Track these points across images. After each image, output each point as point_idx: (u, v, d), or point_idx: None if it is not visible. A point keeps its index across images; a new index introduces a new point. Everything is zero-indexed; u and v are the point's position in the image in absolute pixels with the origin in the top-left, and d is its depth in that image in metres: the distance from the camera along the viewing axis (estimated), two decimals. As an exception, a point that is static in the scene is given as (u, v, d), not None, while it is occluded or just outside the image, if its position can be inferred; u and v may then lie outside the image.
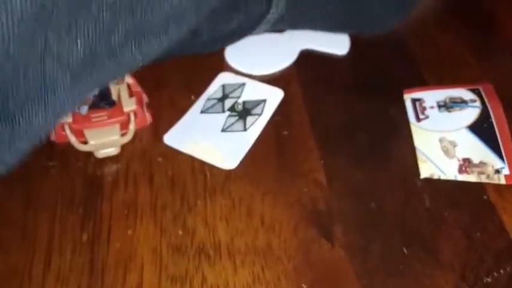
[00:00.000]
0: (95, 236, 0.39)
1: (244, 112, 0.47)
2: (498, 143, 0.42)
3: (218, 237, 0.39)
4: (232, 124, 0.46)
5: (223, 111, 0.47)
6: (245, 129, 0.45)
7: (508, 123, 0.44)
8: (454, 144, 0.43)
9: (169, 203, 0.41)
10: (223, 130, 0.45)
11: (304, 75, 0.51)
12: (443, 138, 0.44)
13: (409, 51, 0.53)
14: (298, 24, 0.50)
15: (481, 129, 0.43)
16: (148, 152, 0.45)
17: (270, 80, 0.50)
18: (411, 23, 0.56)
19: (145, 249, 0.39)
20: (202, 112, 0.46)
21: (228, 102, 0.47)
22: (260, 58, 0.52)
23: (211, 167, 0.43)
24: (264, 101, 0.47)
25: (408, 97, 0.47)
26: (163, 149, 0.45)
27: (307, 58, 0.53)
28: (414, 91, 0.48)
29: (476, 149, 0.43)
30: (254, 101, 0.47)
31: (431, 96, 0.47)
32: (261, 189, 0.42)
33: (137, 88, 0.47)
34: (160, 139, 0.45)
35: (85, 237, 0.39)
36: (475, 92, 0.46)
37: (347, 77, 0.51)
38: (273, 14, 0.46)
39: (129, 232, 0.40)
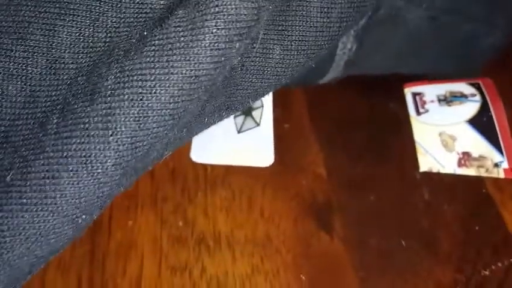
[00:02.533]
0: (96, 226, 0.40)
1: (246, 108, 0.47)
2: (497, 137, 0.43)
3: (218, 229, 0.40)
4: (243, 123, 0.46)
5: None
6: (258, 124, 0.46)
7: (507, 118, 0.44)
8: (454, 138, 0.43)
9: (169, 195, 0.42)
10: (239, 132, 0.45)
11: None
12: (442, 132, 0.44)
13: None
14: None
15: (481, 123, 0.44)
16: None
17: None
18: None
19: (145, 239, 0.39)
20: None
21: None
22: None
23: (212, 159, 0.44)
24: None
25: (408, 91, 0.48)
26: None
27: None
28: (415, 85, 0.48)
29: (475, 143, 0.43)
30: None
31: (431, 90, 0.47)
32: (261, 181, 0.42)
33: None
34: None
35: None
36: (475, 86, 0.46)
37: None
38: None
39: (130, 223, 0.40)
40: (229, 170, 0.43)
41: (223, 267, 0.38)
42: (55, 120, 0.28)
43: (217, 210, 0.41)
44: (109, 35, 0.29)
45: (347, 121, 0.47)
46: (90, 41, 0.29)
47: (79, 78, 0.29)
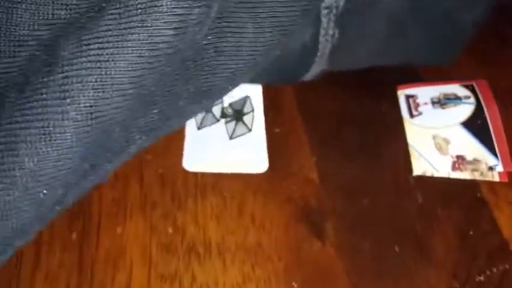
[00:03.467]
0: (84, 233, 0.39)
1: (236, 113, 0.46)
2: (492, 140, 0.42)
3: (208, 236, 0.39)
4: (235, 129, 0.45)
5: (218, 120, 0.46)
6: (250, 130, 0.45)
7: (502, 121, 0.43)
8: (448, 142, 0.43)
9: (159, 201, 0.41)
10: (231, 138, 0.45)
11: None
12: (436, 135, 0.43)
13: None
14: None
15: (475, 126, 0.43)
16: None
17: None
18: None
19: (134, 247, 0.38)
20: (199, 129, 0.45)
21: (215, 110, 0.46)
22: None
23: (202, 165, 0.43)
24: (248, 97, 0.47)
25: (402, 93, 0.47)
26: (153, 146, 0.44)
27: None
28: (408, 87, 0.47)
29: (469, 146, 0.42)
30: (238, 100, 0.47)
31: (425, 93, 0.46)
32: (251, 187, 0.42)
33: None
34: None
35: (74, 235, 0.39)
36: (469, 88, 0.46)
37: (340, 73, 0.50)
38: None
39: (118, 230, 0.39)
40: (219, 176, 0.42)
41: (214, 276, 0.37)
42: (13, 95, 0.27)
43: (208, 217, 0.40)
44: (68, 12, 0.29)
45: (340, 125, 0.46)
46: (50, 18, 0.29)
47: (38, 53, 0.29)
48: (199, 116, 0.46)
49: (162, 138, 0.45)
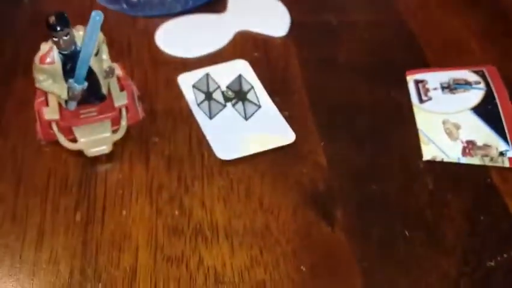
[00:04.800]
0: (89, 216, 0.38)
1: (238, 94, 0.45)
2: (503, 126, 0.42)
3: (215, 219, 0.38)
4: (245, 109, 0.44)
5: (224, 105, 0.45)
6: (259, 106, 0.45)
7: (513, 106, 0.43)
8: (458, 127, 0.42)
9: (165, 184, 0.40)
10: (246, 119, 0.44)
11: (305, 53, 0.50)
12: (446, 120, 0.43)
13: (412, 34, 0.52)
14: None
15: (485, 111, 0.42)
16: (145, 131, 0.44)
17: (265, 58, 0.49)
18: (414, 4, 0.55)
19: (140, 230, 0.38)
20: (211, 118, 0.44)
21: (217, 96, 0.46)
22: (195, 40, 0.51)
23: (209, 148, 0.42)
24: (240, 76, 0.46)
25: (411, 78, 0.46)
26: (160, 128, 0.44)
27: (305, 33, 0.51)
28: (417, 72, 0.47)
29: (480, 132, 0.42)
30: (233, 81, 0.46)
31: (434, 78, 0.46)
32: (259, 170, 0.41)
33: (128, 81, 0.44)
34: (155, 119, 0.44)
35: (78, 217, 0.38)
36: (479, 74, 0.45)
37: (349, 58, 0.50)
38: None
39: (124, 213, 0.39)
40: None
41: (221, 259, 0.36)
42: None
43: (215, 200, 0.39)
44: None
45: (348, 109, 0.45)
46: None
47: None
48: (205, 106, 0.45)
49: (169, 121, 0.44)
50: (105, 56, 0.40)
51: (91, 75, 0.39)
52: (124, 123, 0.42)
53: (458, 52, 0.50)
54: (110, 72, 0.40)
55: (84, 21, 0.36)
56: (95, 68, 0.39)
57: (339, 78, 0.48)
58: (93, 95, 0.41)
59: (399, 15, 0.54)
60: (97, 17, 0.35)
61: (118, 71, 0.43)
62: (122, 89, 0.43)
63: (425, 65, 0.48)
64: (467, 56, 0.50)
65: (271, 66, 0.49)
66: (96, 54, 0.38)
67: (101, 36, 0.38)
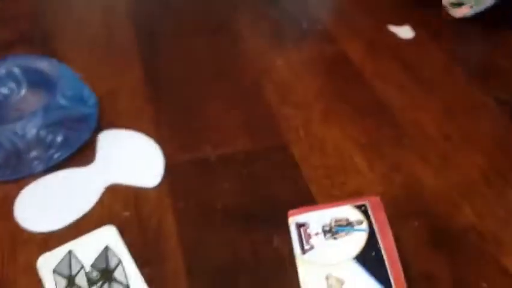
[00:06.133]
0: None
1: (104, 273, 0.40)
2: (387, 275, 0.39)
3: None
4: None
5: None
6: (128, 286, 0.39)
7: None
8: (342, 282, 0.39)
9: None
10: None
11: (180, 203, 0.46)
12: (329, 274, 0.39)
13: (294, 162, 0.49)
14: None
15: (370, 259, 0.39)
16: None
17: (136, 218, 0.45)
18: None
19: None
20: None
21: (80, 280, 0.40)
22: (59, 206, 0.47)
23: None
24: (106, 248, 0.41)
25: (293, 221, 0.43)
26: None
27: (180, 177, 0.48)
28: (299, 212, 0.43)
29: (364, 284, 0.38)
30: (99, 256, 0.41)
31: (316, 219, 0.42)
32: None
33: None
34: None
35: None
36: (362, 209, 0.42)
37: (227, 202, 0.46)
38: None
39: None
40: None
41: None
42: None
43: None
44: None
45: (230, 270, 0.42)
46: None
47: None
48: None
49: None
50: None
51: None
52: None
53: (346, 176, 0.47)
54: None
55: None
56: None
57: (218, 231, 0.44)
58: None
59: (281, 141, 0.51)
60: None
61: None
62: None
63: (309, 197, 0.45)
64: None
65: (143, 227, 0.45)
66: None
67: None
